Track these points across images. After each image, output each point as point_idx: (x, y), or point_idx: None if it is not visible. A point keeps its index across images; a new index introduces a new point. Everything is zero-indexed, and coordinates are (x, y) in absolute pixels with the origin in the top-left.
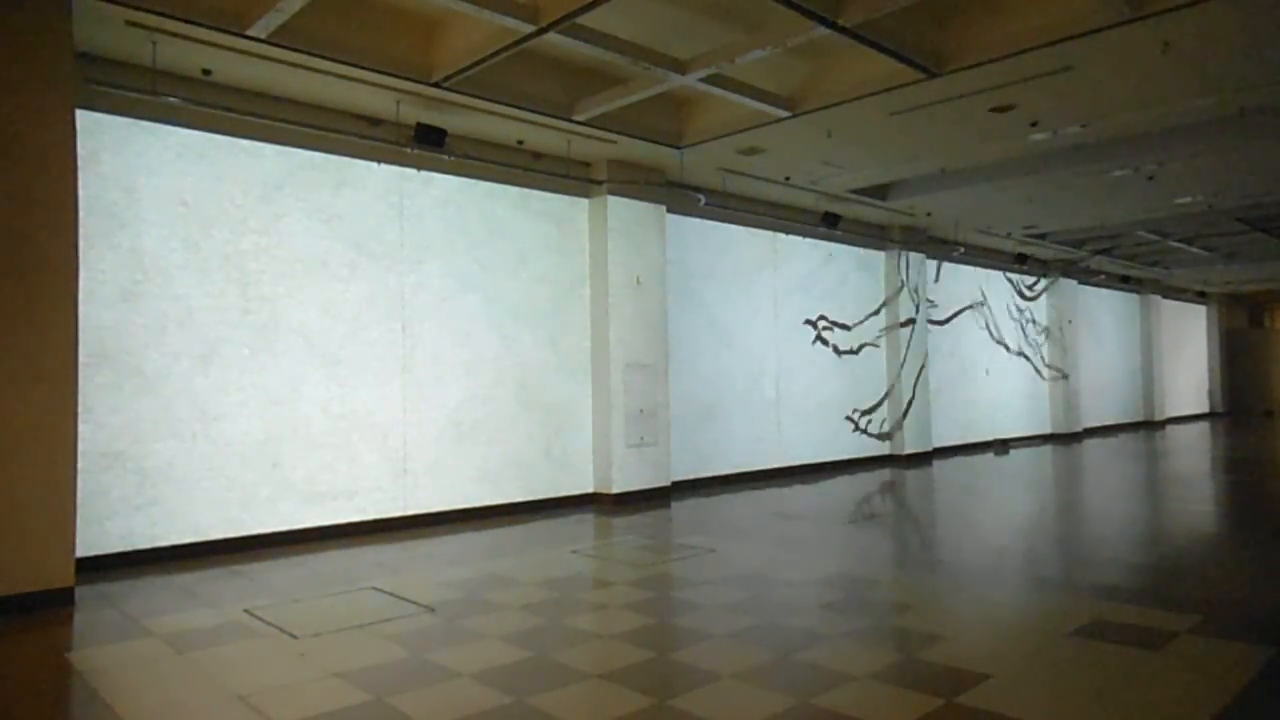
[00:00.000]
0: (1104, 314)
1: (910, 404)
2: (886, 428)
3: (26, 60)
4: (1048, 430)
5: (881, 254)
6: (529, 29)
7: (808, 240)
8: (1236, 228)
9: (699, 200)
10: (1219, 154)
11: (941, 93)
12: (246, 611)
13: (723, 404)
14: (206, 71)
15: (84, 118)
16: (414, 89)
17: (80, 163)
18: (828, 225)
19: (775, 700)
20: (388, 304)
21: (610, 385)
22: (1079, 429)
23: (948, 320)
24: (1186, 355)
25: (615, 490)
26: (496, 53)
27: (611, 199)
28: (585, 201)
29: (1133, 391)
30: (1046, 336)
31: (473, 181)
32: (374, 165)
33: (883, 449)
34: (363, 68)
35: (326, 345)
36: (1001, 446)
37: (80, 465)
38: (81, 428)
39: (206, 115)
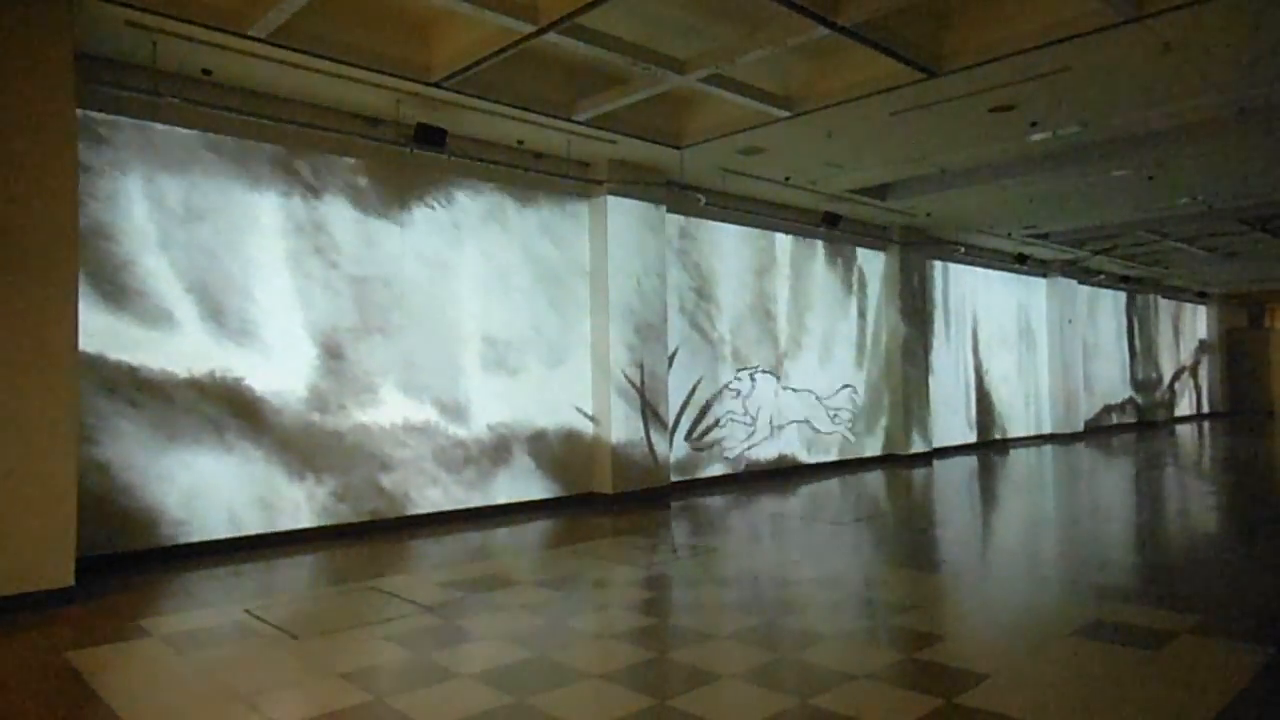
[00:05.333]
0: (1103, 314)
1: (910, 403)
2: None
3: (26, 60)
4: (1047, 430)
5: (882, 254)
6: (529, 29)
7: (807, 240)
8: (1236, 228)
9: (699, 200)
10: (1219, 154)
11: (941, 93)
12: (246, 611)
13: (724, 405)
14: (206, 71)
15: (84, 118)
16: (414, 89)
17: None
18: (828, 225)
19: (775, 700)
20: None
21: (610, 384)
22: (1079, 429)
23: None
24: (1186, 355)
25: (615, 490)
26: (496, 53)
27: (611, 199)
28: (585, 201)
29: (1132, 391)
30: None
31: (473, 182)
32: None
33: (883, 449)
34: (363, 68)
35: (318, 344)
36: (1001, 446)
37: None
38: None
39: (207, 115)
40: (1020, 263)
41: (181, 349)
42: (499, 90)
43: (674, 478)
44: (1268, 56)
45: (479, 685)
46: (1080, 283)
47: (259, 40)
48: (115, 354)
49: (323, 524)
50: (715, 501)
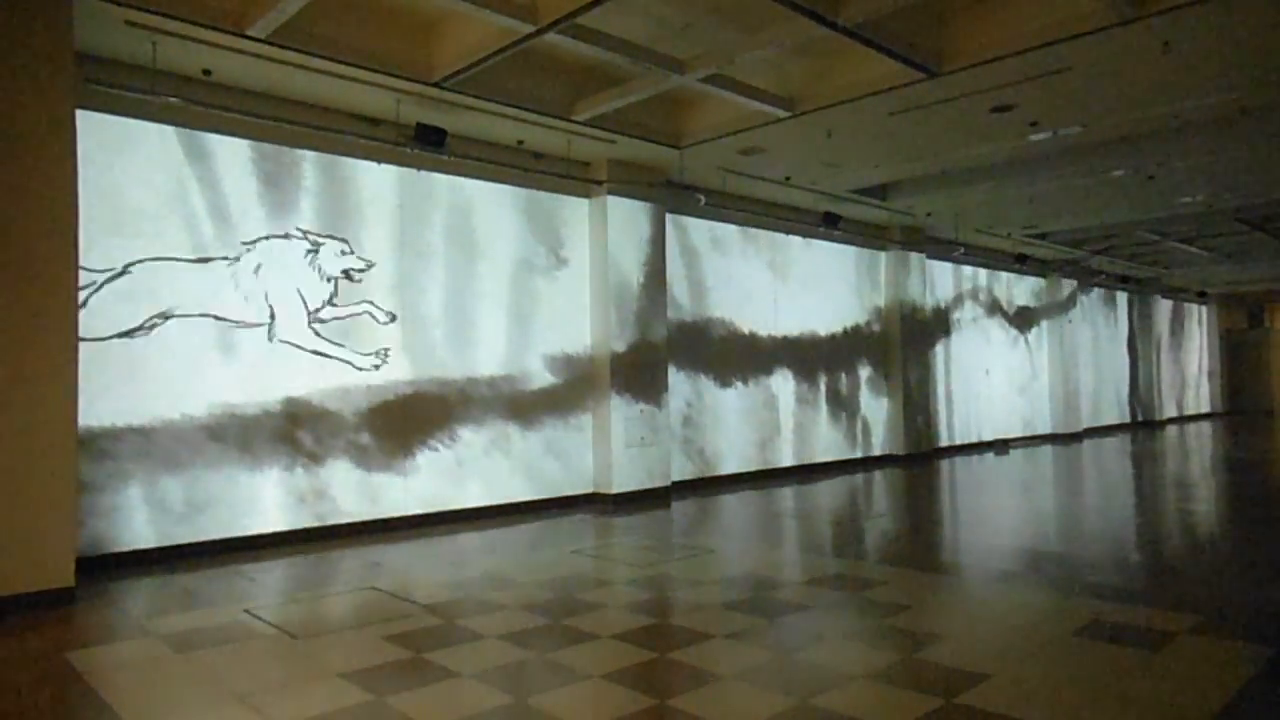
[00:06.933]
0: (1102, 314)
1: (913, 404)
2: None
3: (26, 60)
4: (1048, 430)
5: (882, 254)
6: (529, 29)
7: (811, 241)
8: (1236, 228)
9: (699, 200)
10: (1219, 154)
11: (941, 93)
12: (246, 611)
13: (725, 405)
14: (206, 71)
15: (84, 118)
16: (414, 89)
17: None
18: (828, 225)
19: (775, 700)
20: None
21: (610, 385)
22: (1079, 429)
23: None
24: (1186, 355)
25: (615, 490)
26: (496, 53)
27: (611, 199)
28: (585, 201)
29: (1132, 392)
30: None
31: (473, 181)
32: (374, 165)
33: (883, 450)
34: (363, 68)
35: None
36: (1002, 447)
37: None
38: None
39: (206, 115)
40: (1020, 262)
41: None
42: (499, 90)
43: (675, 477)
44: (1268, 56)
45: (479, 685)
46: (1081, 286)
47: (259, 40)
48: None
49: None
50: (716, 501)
